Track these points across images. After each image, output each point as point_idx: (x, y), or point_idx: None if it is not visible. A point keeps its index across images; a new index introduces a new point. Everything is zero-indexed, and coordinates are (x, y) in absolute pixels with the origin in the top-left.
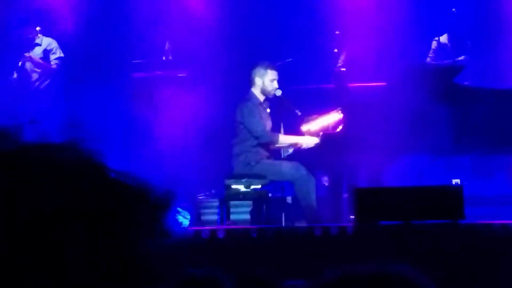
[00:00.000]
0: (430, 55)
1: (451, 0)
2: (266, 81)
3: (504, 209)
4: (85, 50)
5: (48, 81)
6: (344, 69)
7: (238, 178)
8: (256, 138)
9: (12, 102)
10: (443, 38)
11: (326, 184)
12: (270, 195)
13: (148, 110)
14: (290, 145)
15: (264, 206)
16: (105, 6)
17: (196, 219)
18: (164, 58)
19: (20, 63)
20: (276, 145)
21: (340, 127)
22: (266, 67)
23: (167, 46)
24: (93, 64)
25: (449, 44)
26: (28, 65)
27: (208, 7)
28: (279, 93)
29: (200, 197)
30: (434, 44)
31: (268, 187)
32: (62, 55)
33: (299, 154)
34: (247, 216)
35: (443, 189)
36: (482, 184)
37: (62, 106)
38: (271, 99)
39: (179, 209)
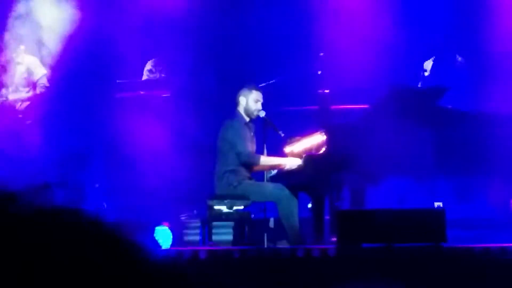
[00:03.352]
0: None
1: (435, 24)
2: (249, 101)
3: (485, 232)
4: (67, 70)
5: (29, 103)
6: (328, 91)
7: (220, 198)
8: (237, 154)
9: None
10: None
11: (309, 206)
12: (252, 216)
13: (131, 129)
14: (273, 167)
15: (246, 227)
16: (88, 25)
17: (178, 239)
18: (147, 77)
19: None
20: (259, 166)
21: (323, 149)
22: (251, 88)
23: (149, 65)
24: (75, 83)
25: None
26: (14, 84)
27: (193, 27)
28: (262, 114)
29: (183, 218)
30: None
31: (251, 208)
32: (45, 71)
33: (282, 175)
34: (229, 237)
35: (425, 212)
36: (464, 207)
37: (47, 126)
38: (254, 121)
39: (162, 229)
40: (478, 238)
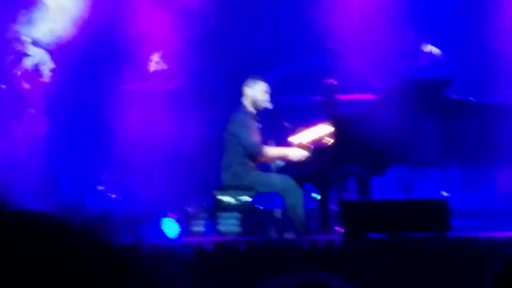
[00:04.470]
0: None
1: (440, 15)
2: (256, 92)
3: (492, 222)
4: (73, 62)
5: (36, 95)
6: (335, 82)
7: (226, 190)
8: (244, 148)
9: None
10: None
11: (316, 197)
12: (259, 207)
13: (138, 122)
14: (279, 157)
15: (252, 218)
16: (95, 18)
17: (185, 230)
18: (153, 69)
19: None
20: (265, 157)
21: (330, 140)
22: (257, 79)
23: (156, 58)
24: (83, 74)
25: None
26: (20, 76)
27: (198, 18)
28: (269, 105)
29: (189, 209)
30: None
31: (257, 199)
32: (54, 66)
33: (288, 166)
34: (236, 228)
35: (429, 202)
36: (472, 196)
37: (53, 117)
38: (261, 112)
39: (168, 220)
40: (484, 227)
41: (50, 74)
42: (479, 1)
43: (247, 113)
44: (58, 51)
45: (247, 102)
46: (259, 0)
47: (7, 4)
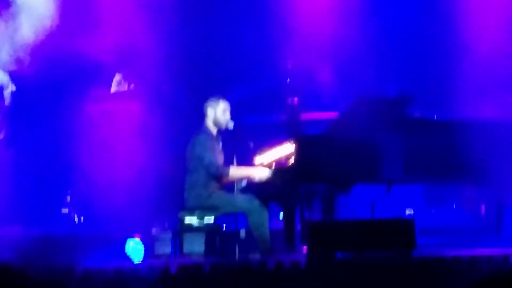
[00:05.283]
0: None
1: (402, 33)
2: (218, 112)
3: (457, 238)
4: (36, 82)
5: (1, 117)
6: (296, 99)
7: (191, 210)
8: (207, 169)
9: None
10: None
11: (280, 217)
12: (223, 226)
13: (102, 143)
14: (242, 177)
15: (217, 239)
16: (59, 36)
17: (149, 252)
18: (116, 89)
19: None
20: (228, 178)
21: (293, 159)
22: (218, 98)
23: (118, 78)
24: (44, 95)
25: None
26: None
27: (161, 39)
28: (231, 125)
29: (154, 230)
30: None
31: (222, 219)
32: (14, 89)
33: (252, 186)
34: (201, 249)
35: (395, 221)
36: (436, 213)
37: (17, 140)
38: (223, 132)
39: (134, 242)
40: (448, 244)
41: (10, 97)
42: (442, 17)
43: (209, 134)
44: (19, 73)
45: (209, 122)
46: (222, 19)
47: None
